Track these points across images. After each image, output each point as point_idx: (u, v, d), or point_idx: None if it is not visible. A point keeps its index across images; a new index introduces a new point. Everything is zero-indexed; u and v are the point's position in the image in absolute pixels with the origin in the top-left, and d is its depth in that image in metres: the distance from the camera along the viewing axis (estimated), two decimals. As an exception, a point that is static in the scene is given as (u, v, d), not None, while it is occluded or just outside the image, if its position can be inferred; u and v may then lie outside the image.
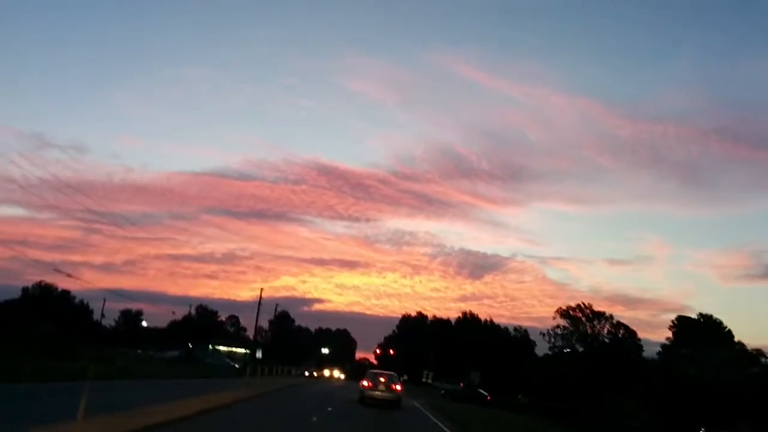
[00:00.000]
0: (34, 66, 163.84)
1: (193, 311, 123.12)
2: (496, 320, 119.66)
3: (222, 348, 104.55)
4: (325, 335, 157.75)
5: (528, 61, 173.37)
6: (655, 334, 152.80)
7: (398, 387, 31.23)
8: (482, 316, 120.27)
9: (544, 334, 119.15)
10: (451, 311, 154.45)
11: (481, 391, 54.67)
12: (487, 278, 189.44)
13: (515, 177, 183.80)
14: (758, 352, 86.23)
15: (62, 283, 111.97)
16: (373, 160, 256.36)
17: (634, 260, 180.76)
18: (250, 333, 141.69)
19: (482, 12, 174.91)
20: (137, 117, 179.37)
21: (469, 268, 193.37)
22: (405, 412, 30.83)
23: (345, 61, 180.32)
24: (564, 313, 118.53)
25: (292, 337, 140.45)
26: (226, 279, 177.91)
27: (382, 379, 31.39)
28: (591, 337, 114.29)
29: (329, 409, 26.89)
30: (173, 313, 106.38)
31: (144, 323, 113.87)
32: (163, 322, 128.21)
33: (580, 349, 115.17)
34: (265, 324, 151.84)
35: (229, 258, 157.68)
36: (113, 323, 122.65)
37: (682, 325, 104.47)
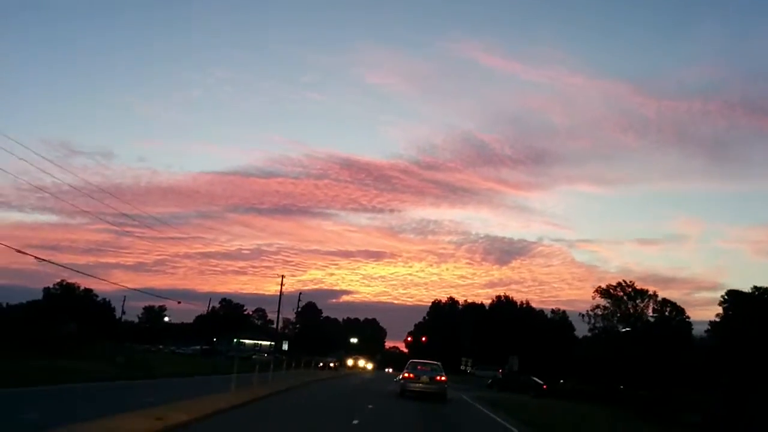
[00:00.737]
0: (56, 75, 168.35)
1: (216, 306, 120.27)
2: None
3: (247, 341, 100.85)
4: (353, 325, 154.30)
5: (547, 44, 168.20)
6: (690, 313, 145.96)
7: (443, 378, 28.52)
8: (516, 300, 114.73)
9: (583, 315, 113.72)
10: (479, 297, 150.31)
11: (535, 378, 48.02)
12: (515, 263, 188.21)
13: (539, 161, 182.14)
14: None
15: (86, 283, 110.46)
16: (395, 151, 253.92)
17: (664, 239, 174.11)
18: (279, 325, 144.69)
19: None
20: (160, 120, 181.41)
21: (496, 255, 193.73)
22: (458, 408, 26.03)
23: (362, 54, 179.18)
24: (603, 292, 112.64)
25: (320, 328, 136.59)
26: (254, 275, 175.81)
27: (424, 370, 29.09)
28: (634, 317, 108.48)
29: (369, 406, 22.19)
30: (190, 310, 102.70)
31: (166, 318, 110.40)
32: (189, 318, 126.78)
33: (622, 330, 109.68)
34: (292, 317, 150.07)
35: (256, 254, 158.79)
36: (136, 320, 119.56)
37: (734, 300, 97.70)
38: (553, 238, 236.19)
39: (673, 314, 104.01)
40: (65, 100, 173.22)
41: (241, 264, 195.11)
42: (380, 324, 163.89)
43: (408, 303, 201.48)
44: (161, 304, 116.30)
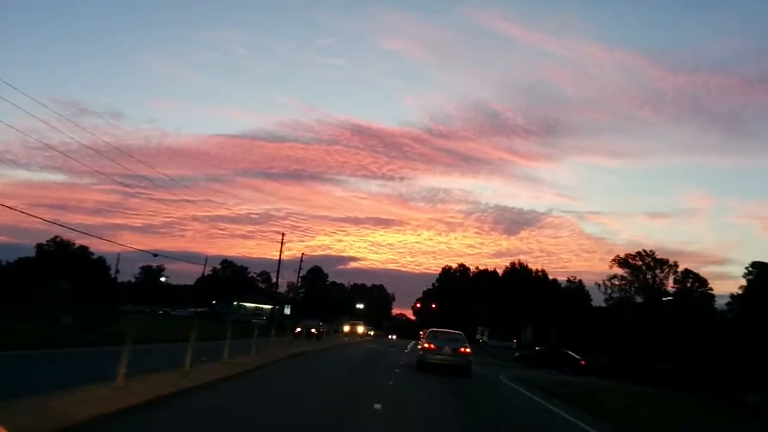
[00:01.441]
0: (68, 33, 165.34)
1: (218, 267, 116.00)
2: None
3: (248, 304, 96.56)
4: (360, 291, 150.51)
5: (564, 13, 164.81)
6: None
7: (467, 349, 25.48)
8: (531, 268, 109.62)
9: (599, 285, 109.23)
10: (489, 266, 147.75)
11: (571, 353, 41.19)
12: (523, 234, 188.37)
13: (552, 132, 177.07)
14: None
15: (82, 240, 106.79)
16: (407, 118, 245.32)
17: (675, 213, 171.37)
18: (284, 289, 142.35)
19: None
20: (171, 81, 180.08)
21: (505, 224, 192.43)
22: (498, 393, 20.74)
23: (379, 19, 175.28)
24: (622, 261, 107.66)
25: (325, 293, 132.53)
26: (263, 239, 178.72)
27: (447, 340, 26.23)
28: (653, 288, 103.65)
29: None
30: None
31: (162, 279, 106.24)
32: (191, 280, 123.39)
33: (639, 301, 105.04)
34: (297, 281, 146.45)
35: (265, 218, 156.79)
36: (133, 280, 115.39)
37: (760, 271, 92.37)
38: (563, 209, 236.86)
39: (695, 286, 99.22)
40: (76, 59, 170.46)
41: (250, 228, 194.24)
42: (387, 290, 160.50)
43: (416, 271, 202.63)
44: (159, 264, 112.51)
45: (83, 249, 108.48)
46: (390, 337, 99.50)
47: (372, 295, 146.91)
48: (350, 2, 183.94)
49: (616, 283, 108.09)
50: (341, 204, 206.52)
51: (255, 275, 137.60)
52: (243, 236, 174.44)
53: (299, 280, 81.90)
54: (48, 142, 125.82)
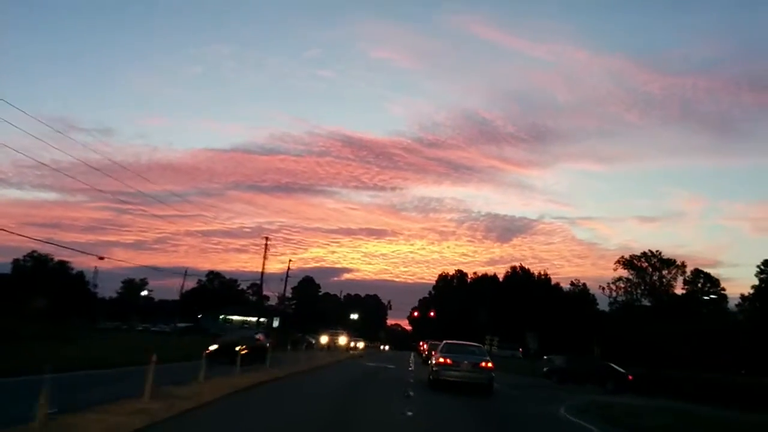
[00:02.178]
0: (55, 50, 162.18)
1: (204, 280, 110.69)
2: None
3: (236, 317, 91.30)
4: (354, 301, 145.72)
5: (549, 19, 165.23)
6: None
7: (489, 364, 22.15)
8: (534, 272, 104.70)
9: (603, 288, 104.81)
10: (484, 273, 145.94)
11: (614, 366, 33.18)
12: (516, 241, 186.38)
13: (541, 138, 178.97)
14: None
15: (62, 255, 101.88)
16: (397, 128, 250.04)
17: (664, 217, 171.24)
18: (275, 302, 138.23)
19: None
20: (161, 96, 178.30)
21: (497, 232, 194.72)
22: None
23: (364, 29, 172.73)
24: (627, 263, 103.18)
25: (317, 304, 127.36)
26: (256, 253, 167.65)
27: (465, 354, 22.99)
28: (660, 290, 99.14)
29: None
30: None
31: (144, 292, 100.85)
32: (178, 295, 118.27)
33: (647, 304, 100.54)
34: (289, 292, 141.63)
35: (257, 232, 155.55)
36: (115, 295, 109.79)
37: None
38: (555, 215, 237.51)
39: (707, 287, 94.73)
40: (65, 76, 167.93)
41: (243, 242, 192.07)
42: (382, 300, 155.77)
43: (409, 281, 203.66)
44: (143, 277, 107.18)
45: (62, 264, 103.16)
46: (383, 348, 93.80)
47: (366, 306, 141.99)
48: (337, 13, 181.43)
49: (621, 285, 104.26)
50: (333, 215, 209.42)
51: (245, 288, 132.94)
52: (236, 250, 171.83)
53: (286, 290, 76.87)
54: (38, 159, 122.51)
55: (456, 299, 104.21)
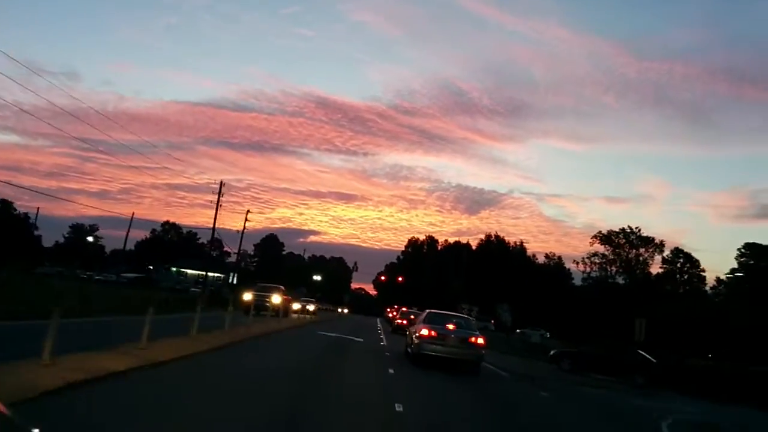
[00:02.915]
0: None
1: (159, 230, 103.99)
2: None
3: (191, 271, 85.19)
4: (319, 263, 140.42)
5: None
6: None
7: (479, 339, 19.21)
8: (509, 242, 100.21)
9: (577, 263, 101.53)
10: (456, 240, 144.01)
11: (644, 354, 25.25)
12: (483, 213, 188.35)
13: (516, 113, 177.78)
14: None
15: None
16: (373, 93, 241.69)
17: (632, 198, 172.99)
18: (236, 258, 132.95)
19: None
20: (132, 44, 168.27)
21: (466, 204, 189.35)
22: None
23: None
24: (604, 238, 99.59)
25: (280, 263, 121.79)
26: (222, 209, 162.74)
27: (452, 326, 19.67)
28: (638, 266, 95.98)
29: None
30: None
31: (90, 238, 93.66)
32: (132, 243, 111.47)
33: (621, 281, 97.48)
34: (253, 250, 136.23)
35: (225, 189, 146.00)
36: (62, 240, 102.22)
37: (752, 253, 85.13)
38: (524, 191, 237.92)
39: (686, 267, 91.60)
40: (31, 16, 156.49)
41: (210, 197, 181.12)
42: (347, 264, 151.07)
43: (377, 247, 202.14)
44: (92, 223, 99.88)
45: (5, 204, 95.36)
46: (341, 311, 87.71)
47: (330, 267, 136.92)
48: None
49: (597, 261, 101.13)
50: (303, 177, 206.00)
51: (205, 243, 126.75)
52: (202, 206, 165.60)
53: (243, 245, 70.97)
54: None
55: (426, 266, 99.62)
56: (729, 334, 50.88)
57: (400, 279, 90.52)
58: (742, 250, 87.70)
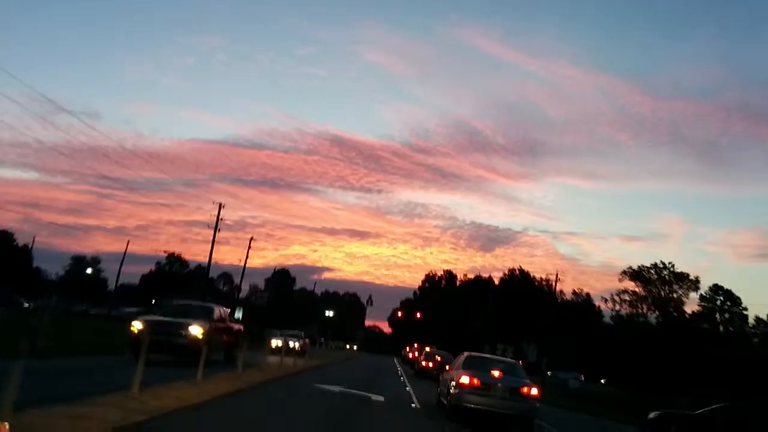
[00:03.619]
0: (48, 32, 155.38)
1: (163, 263, 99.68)
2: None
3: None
4: (331, 299, 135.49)
5: (547, 35, 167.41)
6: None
7: (533, 390, 15.43)
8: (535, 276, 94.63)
9: (606, 300, 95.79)
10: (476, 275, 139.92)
11: None
12: (498, 251, 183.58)
13: (531, 151, 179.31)
14: None
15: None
16: (387, 132, 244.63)
17: (648, 237, 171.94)
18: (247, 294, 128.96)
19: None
20: (150, 84, 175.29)
21: (481, 241, 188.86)
22: None
23: (361, 32, 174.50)
24: (633, 274, 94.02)
25: (291, 298, 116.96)
26: (237, 245, 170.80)
27: (496, 374, 15.82)
28: (671, 305, 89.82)
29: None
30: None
31: (89, 270, 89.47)
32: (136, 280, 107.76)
33: (653, 320, 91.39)
34: (263, 285, 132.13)
35: (240, 225, 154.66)
36: (63, 273, 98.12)
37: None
38: (539, 229, 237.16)
39: (726, 305, 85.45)
40: (54, 56, 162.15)
41: (225, 234, 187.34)
42: (361, 300, 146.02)
43: (390, 284, 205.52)
44: (95, 256, 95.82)
45: (5, 234, 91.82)
46: (348, 347, 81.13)
47: (344, 304, 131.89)
48: (332, 13, 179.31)
49: (626, 298, 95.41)
50: (318, 214, 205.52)
51: (214, 277, 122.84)
52: (218, 242, 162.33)
53: (243, 279, 66.41)
54: (22, 139, 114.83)
55: (445, 302, 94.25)
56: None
57: (418, 315, 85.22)
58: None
